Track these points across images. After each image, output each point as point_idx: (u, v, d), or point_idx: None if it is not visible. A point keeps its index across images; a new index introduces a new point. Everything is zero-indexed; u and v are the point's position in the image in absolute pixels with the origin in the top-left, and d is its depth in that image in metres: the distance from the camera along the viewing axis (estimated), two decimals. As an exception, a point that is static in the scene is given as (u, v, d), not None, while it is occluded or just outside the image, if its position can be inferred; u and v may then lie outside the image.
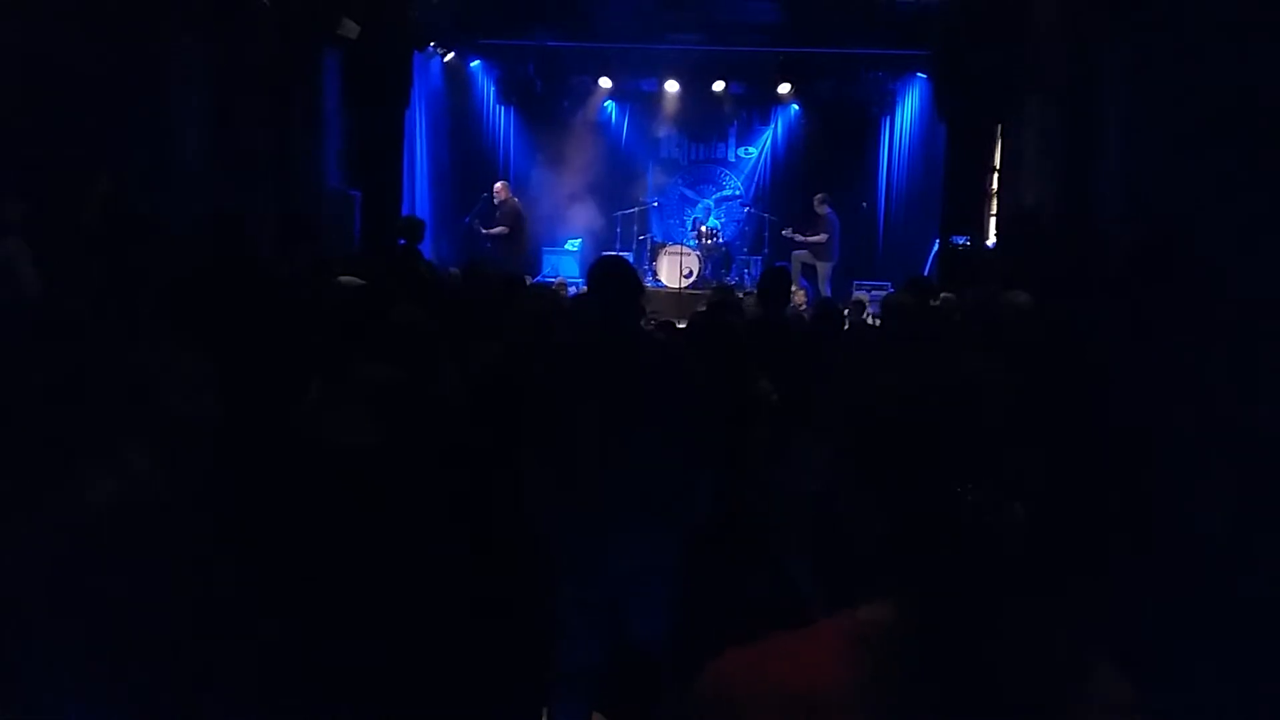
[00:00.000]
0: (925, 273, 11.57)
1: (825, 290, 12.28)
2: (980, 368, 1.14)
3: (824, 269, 12.62)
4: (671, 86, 14.75)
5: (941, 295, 7.14)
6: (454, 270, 8.67)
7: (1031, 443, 1.11)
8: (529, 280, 11.37)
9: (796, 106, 15.11)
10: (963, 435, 1.09)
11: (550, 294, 6.78)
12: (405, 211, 11.74)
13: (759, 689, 1.07)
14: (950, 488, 1.06)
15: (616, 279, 3.50)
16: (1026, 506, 1.09)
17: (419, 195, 13.19)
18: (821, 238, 12.66)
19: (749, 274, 13.83)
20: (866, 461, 1.13)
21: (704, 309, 6.26)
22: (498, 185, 12.62)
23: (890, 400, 1.14)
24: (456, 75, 14.49)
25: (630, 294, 3.50)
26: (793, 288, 10.83)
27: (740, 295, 11.77)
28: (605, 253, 10.89)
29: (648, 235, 14.47)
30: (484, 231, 12.16)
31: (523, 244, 12.55)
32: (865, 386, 1.17)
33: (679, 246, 13.61)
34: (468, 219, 12.41)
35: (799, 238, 12.83)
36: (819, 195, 12.86)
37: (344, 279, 5.35)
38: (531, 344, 4.05)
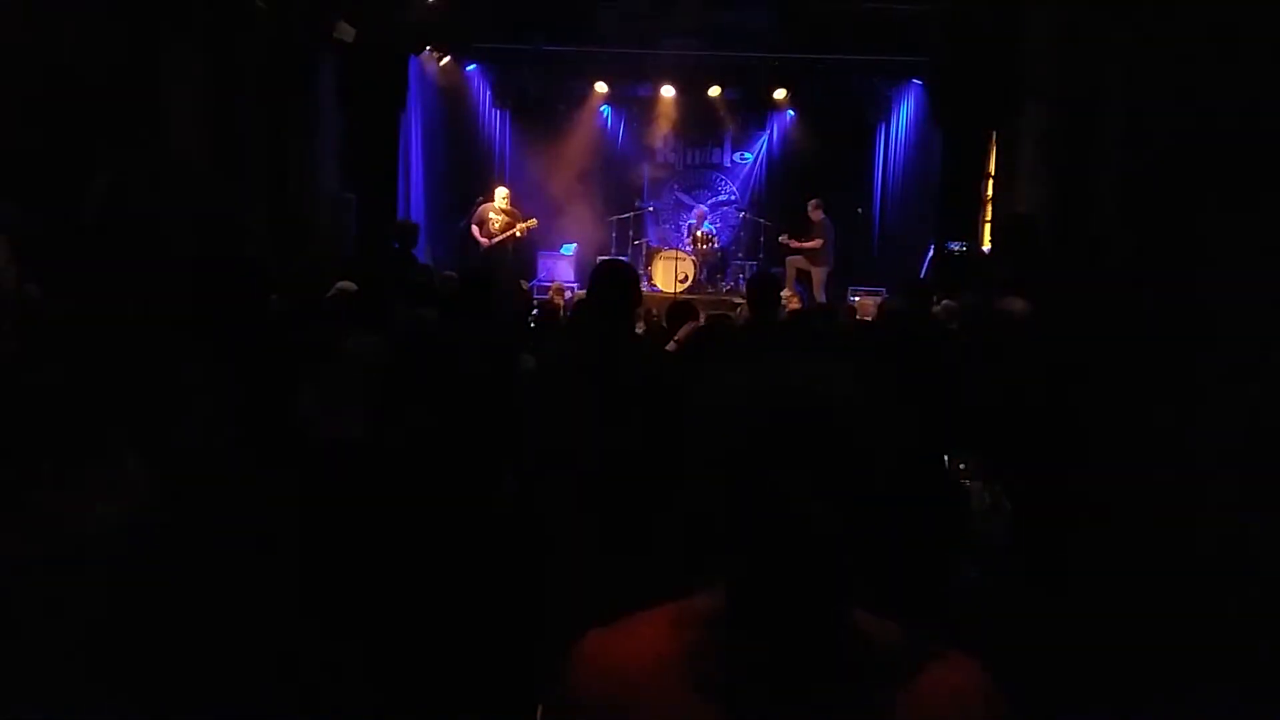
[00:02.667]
0: (920, 278, 11.58)
1: (820, 296, 12.29)
2: (825, 374, 1.18)
3: (819, 274, 12.61)
4: (667, 91, 14.77)
5: (942, 302, 7.15)
6: (449, 274, 8.67)
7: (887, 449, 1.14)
8: (525, 284, 11.41)
9: (792, 112, 15.13)
10: (799, 438, 1.13)
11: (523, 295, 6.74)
12: (401, 215, 11.74)
13: (597, 663, 1.22)
14: (780, 485, 1.11)
15: (616, 283, 3.51)
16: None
17: (414, 199, 13.18)
18: (817, 243, 12.63)
19: (744, 279, 13.84)
20: (713, 459, 1.19)
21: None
22: (499, 191, 12.57)
23: (732, 401, 1.19)
24: (452, 79, 14.48)
25: (628, 298, 3.51)
26: (785, 293, 10.87)
27: (737, 300, 11.83)
28: (605, 257, 10.92)
29: (643, 240, 14.48)
30: (486, 241, 12.09)
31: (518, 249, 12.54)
32: (723, 385, 1.22)
33: (674, 251, 13.62)
34: (464, 223, 12.40)
35: (794, 244, 12.81)
36: (814, 200, 12.83)
37: (341, 284, 5.37)
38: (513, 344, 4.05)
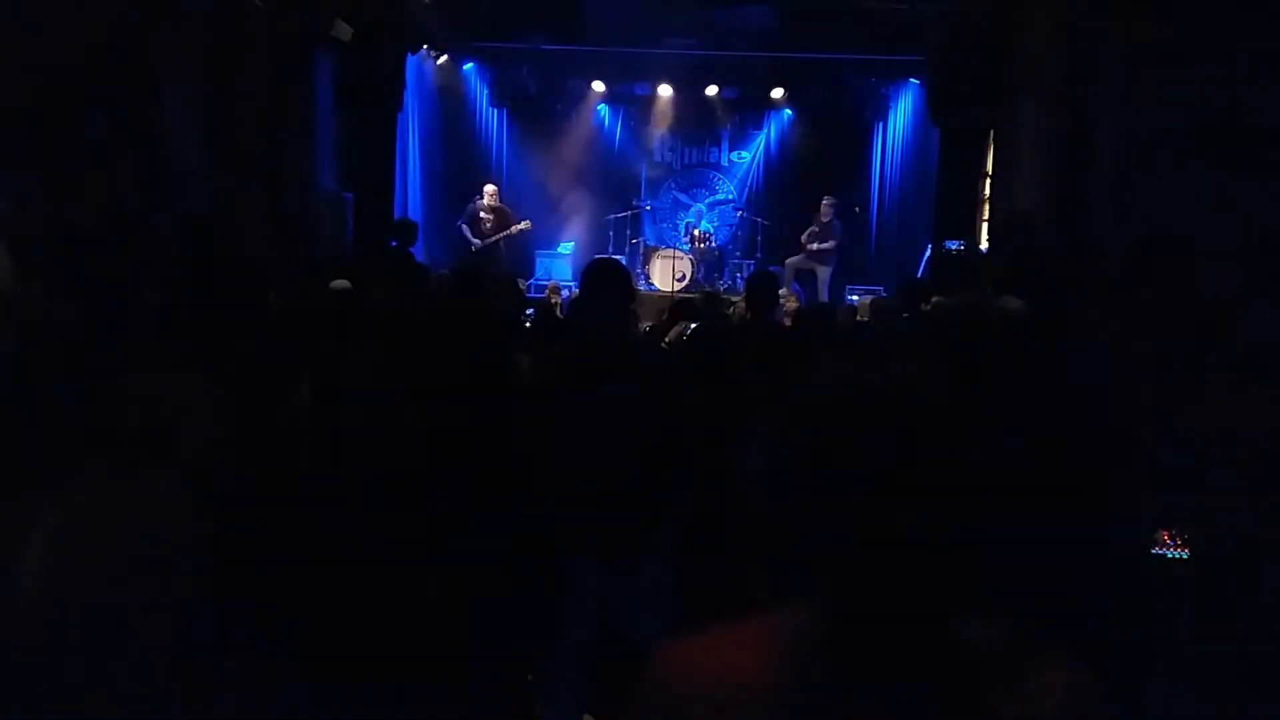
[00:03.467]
0: (917, 278, 11.57)
1: (824, 295, 12.23)
2: (910, 376, 1.14)
3: (824, 274, 12.53)
4: (665, 91, 14.76)
5: (933, 300, 7.15)
6: (445, 272, 8.66)
7: (978, 456, 1.12)
8: (522, 283, 11.41)
9: (789, 111, 15.12)
10: (894, 444, 1.08)
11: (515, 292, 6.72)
12: (398, 214, 11.73)
13: (689, 682, 1.14)
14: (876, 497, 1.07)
15: (609, 281, 3.51)
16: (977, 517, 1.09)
17: (412, 198, 13.18)
18: (831, 244, 12.55)
19: (741, 278, 13.85)
20: (801, 466, 1.14)
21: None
22: (489, 188, 12.56)
23: (826, 404, 1.14)
24: (450, 78, 14.48)
25: (622, 296, 3.51)
26: (783, 291, 10.85)
27: (735, 299, 11.82)
28: (598, 255, 10.90)
29: (640, 239, 14.47)
30: (481, 243, 12.06)
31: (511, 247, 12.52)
32: (809, 388, 1.18)
33: (672, 250, 13.62)
34: (460, 222, 12.39)
35: (816, 245, 12.59)
36: (828, 200, 12.69)
37: (336, 283, 5.36)
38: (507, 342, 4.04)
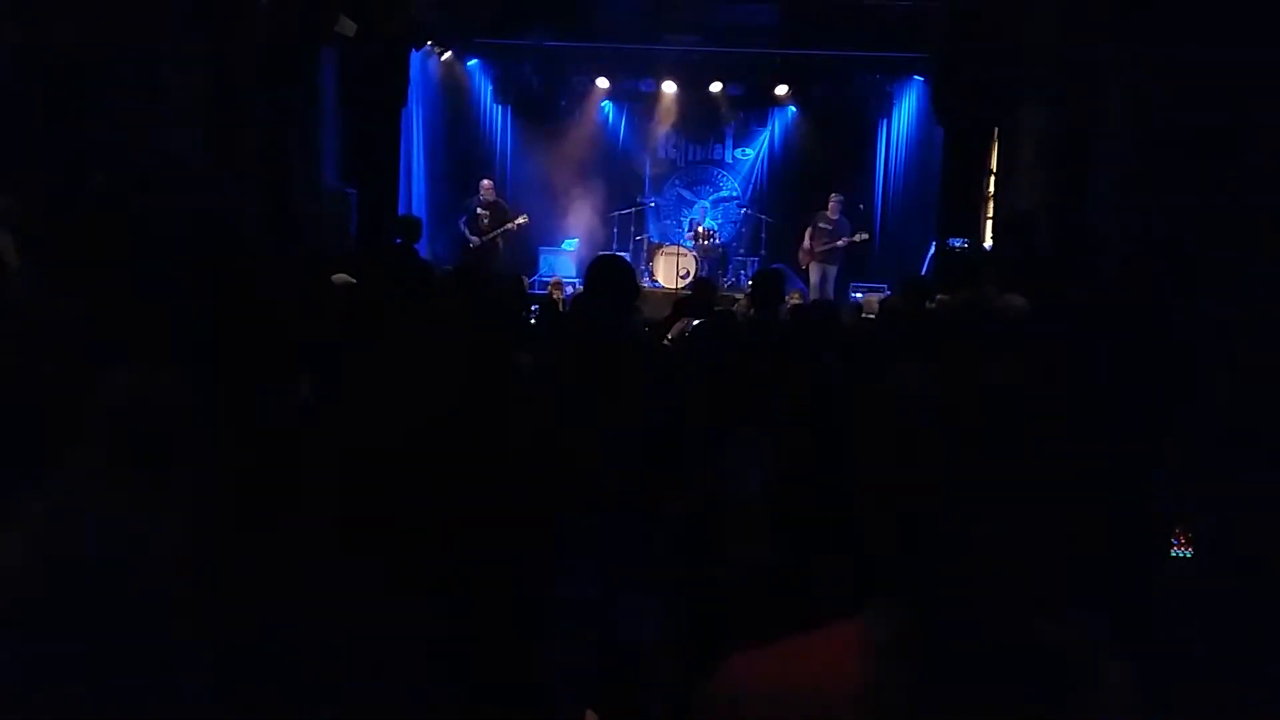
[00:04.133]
0: (921, 275, 11.53)
1: (830, 293, 12.16)
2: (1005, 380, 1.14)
3: (832, 272, 12.44)
4: (669, 87, 14.74)
5: (937, 298, 7.13)
6: (448, 269, 8.66)
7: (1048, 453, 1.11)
8: (525, 280, 11.39)
9: (794, 108, 15.10)
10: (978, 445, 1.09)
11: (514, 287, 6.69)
12: (401, 211, 11.73)
13: (770, 690, 1.08)
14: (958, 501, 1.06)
15: (613, 278, 3.51)
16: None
17: (415, 194, 13.18)
18: (843, 242, 12.38)
19: (745, 275, 13.85)
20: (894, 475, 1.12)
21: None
22: (485, 183, 12.53)
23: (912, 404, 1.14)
24: (453, 74, 14.47)
25: (626, 293, 3.50)
26: (790, 292, 10.82)
27: (739, 296, 11.81)
28: (602, 252, 10.89)
29: (644, 236, 14.47)
30: (479, 240, 12.04)
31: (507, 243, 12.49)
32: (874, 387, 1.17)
33: (675, 247, 13.61)
34: (460, 219, 12.39)
35: (826, 245, 12.35)
36: (838, 197, 12.51)
37: (337, 277, 5.35)
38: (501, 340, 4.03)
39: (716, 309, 7.21)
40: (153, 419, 1.82)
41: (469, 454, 3.17)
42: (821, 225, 12.39)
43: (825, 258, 12.32)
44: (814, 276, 12.29)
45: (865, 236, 12.72)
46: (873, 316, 9.59)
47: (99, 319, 2.86)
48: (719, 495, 3.80)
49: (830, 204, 12.45)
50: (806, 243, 12.45)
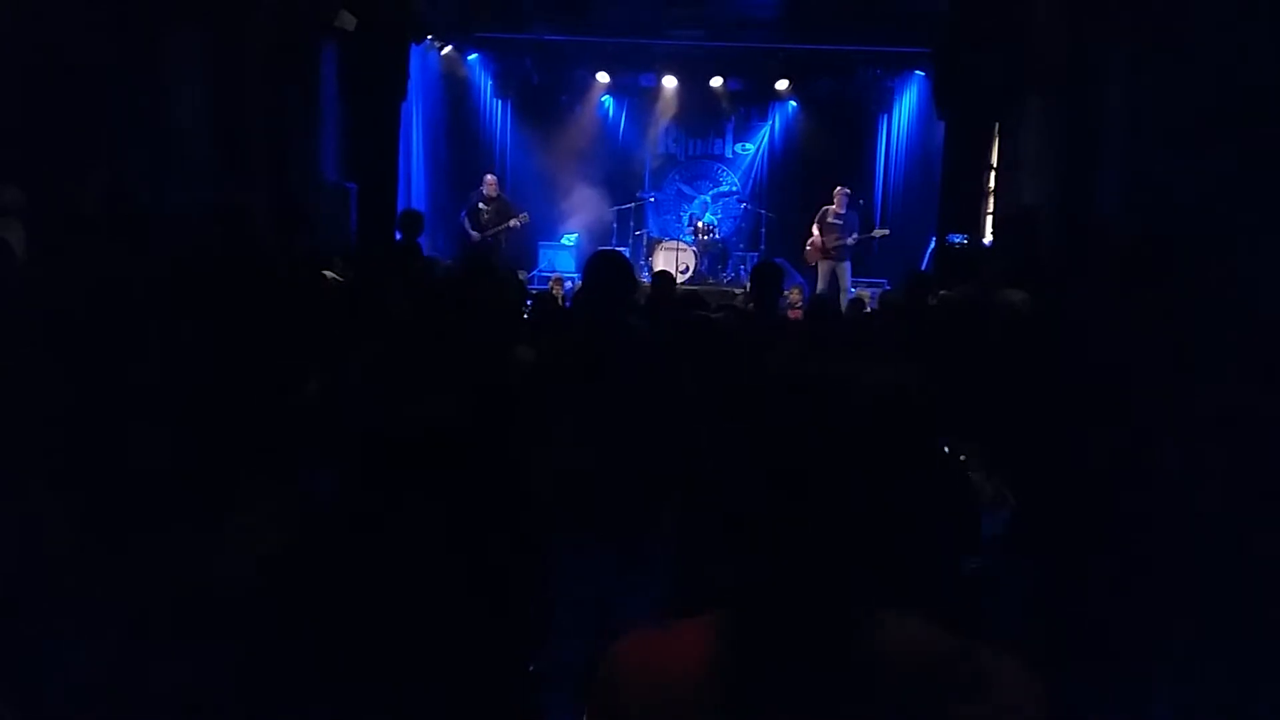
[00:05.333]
0: (921, 270, 11.50)
1: (849, 289, 11.99)
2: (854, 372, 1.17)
3: (843, 269, 12.12)
4: (669, 82, 14.74)
5: (940, 293, 7.14)
6: (447, 263, 8.66)
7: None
8: (522, 274, 11.38)
9: (794, 103, 15.10)
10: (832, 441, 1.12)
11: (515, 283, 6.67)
12: (401, 205, 11.71)
13: (636, 668, 1.21)
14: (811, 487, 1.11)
15: (611, 274, 3.51)
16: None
17: (415, 189, 13.16)
18: (855, 237, 12.18)
19: (745, 270, 13.84)
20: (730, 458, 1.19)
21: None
22: (488, 179, 12.49)
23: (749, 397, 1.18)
24: (454, 69, 14.46)
25: (624, 288, 3.50)
26: (790, 287, 10.76)
27: (738, 291, 11.80)
28: (601, 247, 10.87)
29: (644, 230, 14.47)
30: (480, 236, 12.00)
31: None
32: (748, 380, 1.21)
33: (675, 242, 13.60)
34: (461, 213, 12.37)
35: (837, 241, 12.05)
36: (845, 190, 12.29)
37: (326, 274, 5.34)
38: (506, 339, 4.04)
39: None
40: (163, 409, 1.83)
41: (471, 451, 3.17)
42: (831, 221, 12.10)
43: (835, 254, 12.03)
44: (822, 273, 12.04)
45: (886, 232, 12.54)
46: (869, 311, 9.61)
47: (102, 306, 2.87)
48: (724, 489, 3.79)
49: (836, 198, 12.19)
50: (817, 239, 12.14)
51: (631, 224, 14.35)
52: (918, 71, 13.68)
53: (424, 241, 9.73)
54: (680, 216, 15.11)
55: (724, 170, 15.69)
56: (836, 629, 1.12)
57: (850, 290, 11.91)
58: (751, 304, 8.11)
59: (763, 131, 15.51)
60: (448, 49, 13.89)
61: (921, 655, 1.14)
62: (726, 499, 1.17)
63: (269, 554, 1.97)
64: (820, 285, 11.90)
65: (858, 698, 1.11)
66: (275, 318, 3.61)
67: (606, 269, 3.57)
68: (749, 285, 6.28)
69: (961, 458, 3.46)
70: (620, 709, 1.19)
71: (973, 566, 3.41)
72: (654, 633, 1.25)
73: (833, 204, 12.15)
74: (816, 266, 12.18)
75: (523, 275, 11.45)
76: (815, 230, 12.19)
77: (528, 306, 8.14)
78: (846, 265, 12.13)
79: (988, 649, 1.17)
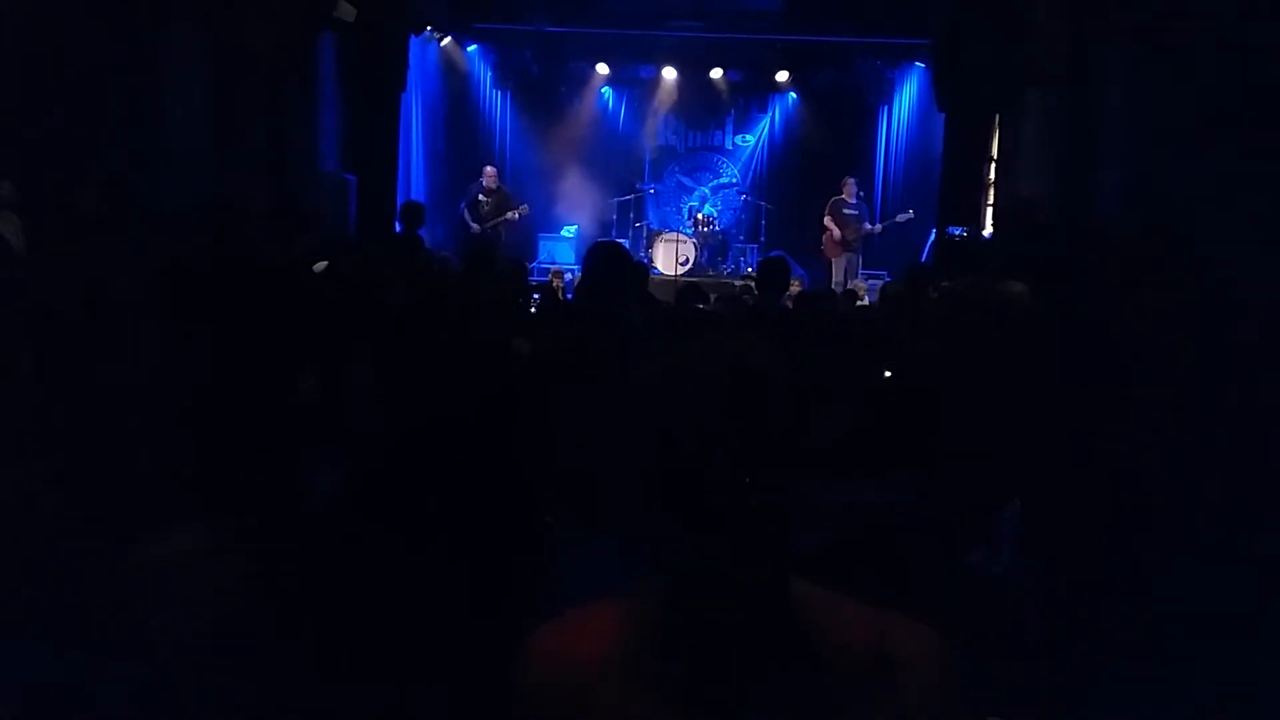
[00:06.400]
0: (921, 262, 11.47)
1: (859, 278, 11.94)
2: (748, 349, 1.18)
3: (856, 260, 12.15)
4: (669, 73, 14.71)
5: (941, 284, 7.13)
6: (445, 254, 8.65)
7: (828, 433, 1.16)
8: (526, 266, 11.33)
9: (794, 95, 15.06)
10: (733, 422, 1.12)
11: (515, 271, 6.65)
12: (400, 196, 11.69)
13: (547, 657, 1.23)
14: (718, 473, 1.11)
15: (611, 264, 3.51)
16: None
17: (415, 180, 13.14)
18: (868, 226, 12.16)
19: (745, 262, 13.83)
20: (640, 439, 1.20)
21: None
22: (488, 170, 12.47)
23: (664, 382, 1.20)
24: (453, 60, 14.43)
25: (625, 280, 3.50)
26: (792, 280, 10.70)
27: (738, 283, 11.78)
28: (600, 239, 10.85)
29: (644, 222, 14.44)
30: (480, 228, 11.97)
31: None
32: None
33: (675, 234, 13.58)
34: (461, 204, 12.35)
35: (854, 231, 12.06)
36: (853, 179, 12.28)
37: (316, 266, 5.33)
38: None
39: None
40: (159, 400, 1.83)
41: (472, 448, 3.17)
42: (847, 212, 12.04)
43: (854, 245, 11.99)
44: (838, 267, 11.95)
45: (910, 214, 12.40)
46: (866, 303, 9.61)
47: (99, 302, 2.87)
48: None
49: (846, 188, 12.16)
50: (836, 232, 12.02)
51: (631, 216, 14.33)
52: (918, 63, 13.66)
53: (424, 233, 9.72)
54: (680, 208, 15.09)
55: (724, 162, 15.66)
56: (754, 606, 1.12)
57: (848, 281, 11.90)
58: (749, 296, 8.14)
59: (763, 123, 15.48)
60: (447, 40, 13.86)
61: (838, 631, 1.15)
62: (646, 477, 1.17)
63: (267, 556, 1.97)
64: (837, 278, 11.83)
65: (772, 676, 1.11)
66: (274, 314, 3.61)
67: (607, 261, 3.56)
68: (756, 278, 6.30)
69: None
70: (534, 693, 1.21)
71: (975, 560, 3.42)
72: (568, 616, 1.26)
73: (841, 194, 12.13)
74: (832, 261, 12.12)
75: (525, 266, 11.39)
76: (830, 224, 12.09)
77: (534, 301, 8.12)
78: (859, 258, 12.12)
79: (902, 621, 1.18)
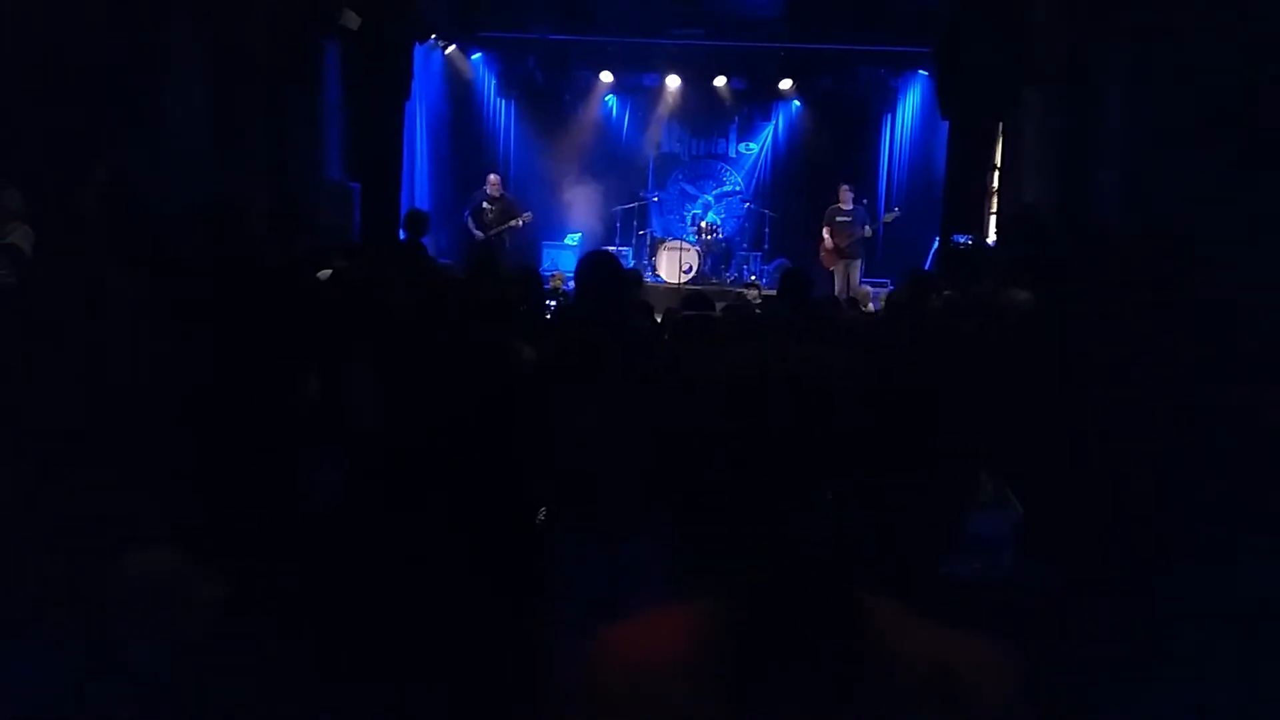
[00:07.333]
0: (925, 270, 11.45)
1: (860, 286, 11.93)
2: (816, 361, 1.17)
3: (856, 266, 12.07)
4: (673, 81, 14.73)
5: (944, 293, 7.12)
6: (447, 262, 8.65)
7: (883, 444, 1.15)
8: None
9: (798, 103, 15.07)
10: (798, 432, 1.11)
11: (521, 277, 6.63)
12: (404, 204, 11.70)
13: (613, 660, 1.22)
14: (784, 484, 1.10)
15: (601, 274, 3.52)
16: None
17: (419, 188, 13.16)
18: (867, 232, 12.14)
19: (748, 270, 13.83)
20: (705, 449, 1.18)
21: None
22: (492, 178, 12.47)
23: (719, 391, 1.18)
24: (457, 68, 14.46)
25: (614, 288, 3.51)
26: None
27: (740, 290, 11.77)
28: (591, 250, 10.80)
29: (647, 230, 14.46)
30: (484, 235, 11.97)
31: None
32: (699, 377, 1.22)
33: (678, 242, 13.58)
34: (465, 212, 12.36)
35: (849, 239, 11.99)
36: (849, 187, 12.27)
37: (321, 273, 5.34)
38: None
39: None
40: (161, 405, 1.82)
41: (473, 451, 3.17)
42: (840, 219, 12.04)
43: (850, 252, 11.96)
44: (839, 275, 11.94)
45: (897, 211, 12.48)
46: (869, 311, 9.59)
47: (100, 306, 2.87)
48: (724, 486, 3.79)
49: (842, 195, 12.17)
50: (829, 241, 12.02)
51: (635, 224, 14.35)
52: (921, 71, 13.67)
53: (428, 241, 9.74)
54: (683, 216, 15.09)
55: (727, 170, 15.67)
56: (824, 616, 1.12)
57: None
58: (758, 304, 8.18)
59: (766, 131, 15.49)
60: (451, 48, 13.89)
61: (906, 645, 1.14)
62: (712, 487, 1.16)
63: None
64: (838, 287, 11.81)
65: (849, 693, 1.11)
66: (274, 315, 3.60)
67: (599, 271, 3.58)
68: (779, 289, 6.46)
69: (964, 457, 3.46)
70: (600, 693, 1.20)
71: (974, 566, 3.40)
72: (629, 624, 1.26)
73: (838, 201, 12.14)
74: (832, 271, 12.07)
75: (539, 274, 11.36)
76: (826, 234, 12.09)
77: (549, 307, 8.09)
78: (859, 264, 12.10)
79: (971, 639, 1.18)
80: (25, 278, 5.32)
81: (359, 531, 2.54)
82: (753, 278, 13.37)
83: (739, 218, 15.16)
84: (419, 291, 4.58)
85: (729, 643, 1.15)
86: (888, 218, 12.54)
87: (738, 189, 15.49)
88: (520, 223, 12.09)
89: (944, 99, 12.22)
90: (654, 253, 13.65)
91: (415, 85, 12.34)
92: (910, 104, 14.36)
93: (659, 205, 15.16)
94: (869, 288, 11.85)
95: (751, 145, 15.60)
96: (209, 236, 3.76)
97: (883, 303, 9.09)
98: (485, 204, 12.08)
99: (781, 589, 1.12)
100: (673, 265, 13.17)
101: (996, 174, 11.35)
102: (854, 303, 10.18)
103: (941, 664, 1.15)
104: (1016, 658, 1.19)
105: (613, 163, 15.12)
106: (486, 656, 3.07)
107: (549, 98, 15.16)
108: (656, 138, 15.50)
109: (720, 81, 14.64)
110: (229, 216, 3.93)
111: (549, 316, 7.04)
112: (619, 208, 14.39)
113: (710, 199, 15.20)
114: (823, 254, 12.17)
